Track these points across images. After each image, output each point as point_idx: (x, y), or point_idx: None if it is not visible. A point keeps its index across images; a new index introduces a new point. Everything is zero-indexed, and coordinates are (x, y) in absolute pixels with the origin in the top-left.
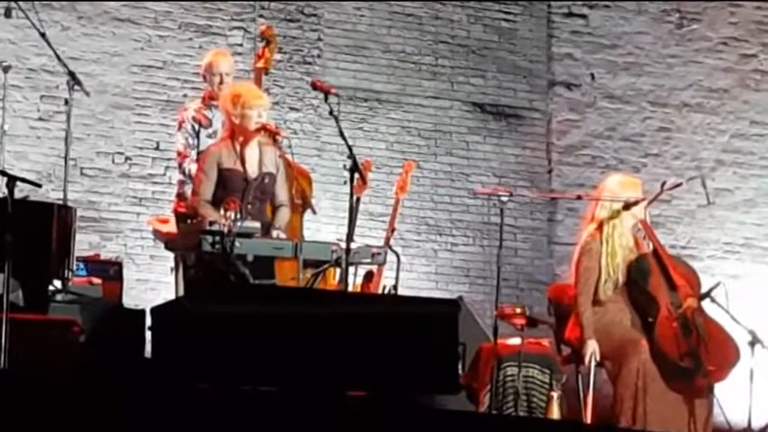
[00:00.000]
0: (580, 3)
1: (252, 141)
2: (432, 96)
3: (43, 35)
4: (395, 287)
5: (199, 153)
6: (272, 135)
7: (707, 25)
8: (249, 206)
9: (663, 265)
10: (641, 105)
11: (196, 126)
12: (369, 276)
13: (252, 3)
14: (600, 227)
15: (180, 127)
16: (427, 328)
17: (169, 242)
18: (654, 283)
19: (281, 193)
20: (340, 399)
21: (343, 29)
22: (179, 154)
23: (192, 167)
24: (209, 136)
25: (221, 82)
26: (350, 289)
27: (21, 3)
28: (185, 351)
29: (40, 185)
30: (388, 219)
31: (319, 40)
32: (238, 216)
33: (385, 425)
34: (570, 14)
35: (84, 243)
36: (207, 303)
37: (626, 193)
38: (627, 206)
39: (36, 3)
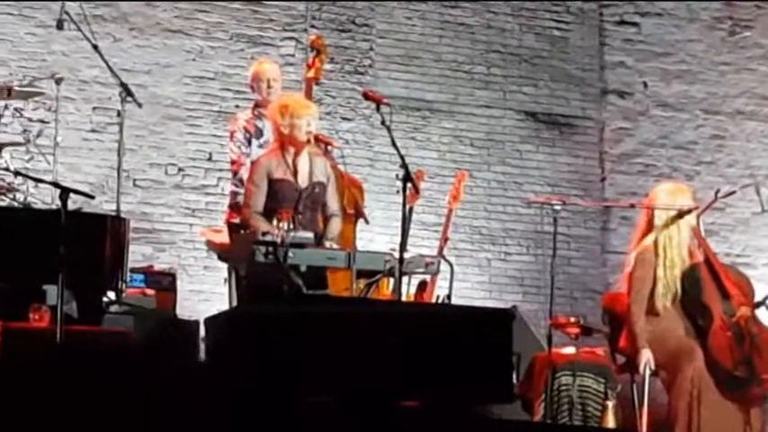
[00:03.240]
0: (632, 11)
1: (302, 151)
2: (484, 105)
3: (95, 47)
4: (448, 297)
5: (251, 163)
6: (325, 145)
7: (759, 32)
8: (300, 216)
9: (715, 274)
10: (694, 113)
11: (248, 135)
12: (422, 286)
13: (303, 13)
14: (657, 237)
15: (232, 137)
16: (481, 337)
17: (222, 253)
18: (706, 292)
19: (333, 203)
20: (394, 409)
21: (395, 38)
22: (233, 162)
23: (247, 176)
24: (260, 146)
25: (269, 87)
26: (403, 299)
27: (72, 13)
28: (239, 360)
29: (93, 197)
30: (441, 228)
31: (371, 49)
32: (291, 226)
33: None
34: (622, 22)
35: (137, 254)
36: (260, 313)
37: (675, 200)
38: (681, 214)
39: (88, 15)
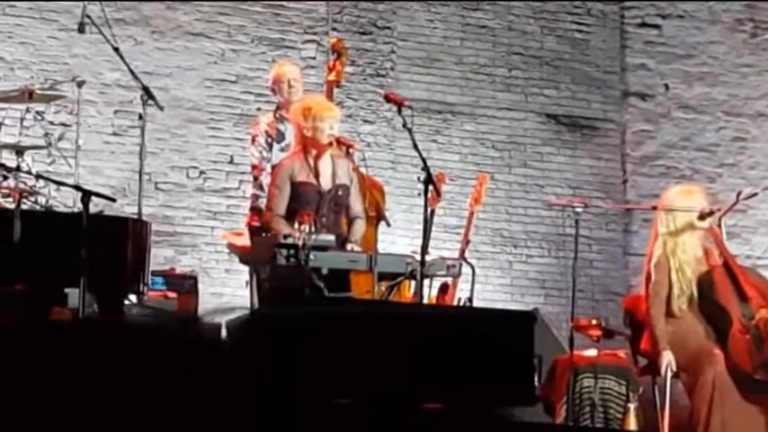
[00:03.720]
0: (653, 13)
1: (325, 154)
2: (505, 108)
3: (117, 50)
4: (470, 299)
5: (273, 167)
6: (346, 148)
7: None
8: (323, 219)
9: (733, 276)
10: (716, 115)
11: (269, 139)
12: (444, 289)
13: (325, 16)
14: (665, 242)
15: (253, 141)
16: (503, 340)
17: (243, 255)
18: (722, 295)
19: (356, 205)
20: (415, 411)
21: (416, 41)
22: (254, 167)
23: (267, 181)
24: (282, 149)
25: (290, 87)
26: (425, 301)
27: (94, 16)
28: (260, 363)
29: (114, 200)
30: (462, 231)
31: (392, 52)
32: (313, 229)
33: None
34: (644, 25)
35: (159, 257)
36: (281, 316)
37: (684, 202)
38: (702, 216)
39: (109, 18)
